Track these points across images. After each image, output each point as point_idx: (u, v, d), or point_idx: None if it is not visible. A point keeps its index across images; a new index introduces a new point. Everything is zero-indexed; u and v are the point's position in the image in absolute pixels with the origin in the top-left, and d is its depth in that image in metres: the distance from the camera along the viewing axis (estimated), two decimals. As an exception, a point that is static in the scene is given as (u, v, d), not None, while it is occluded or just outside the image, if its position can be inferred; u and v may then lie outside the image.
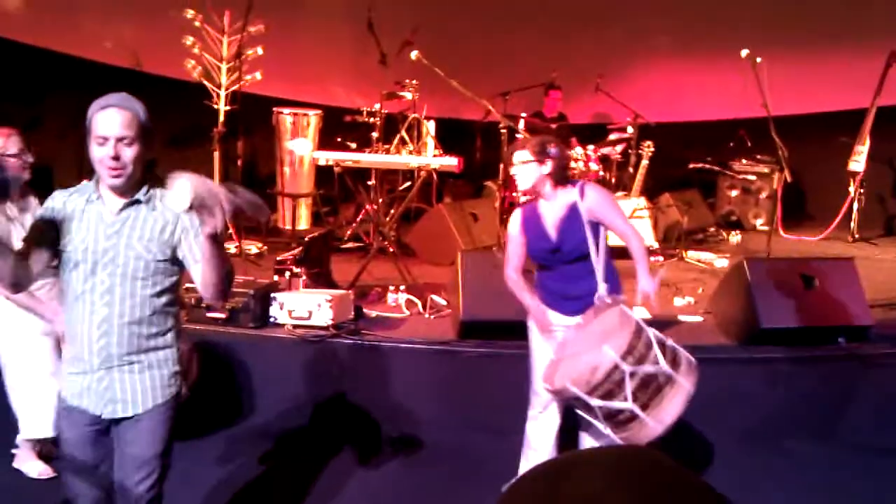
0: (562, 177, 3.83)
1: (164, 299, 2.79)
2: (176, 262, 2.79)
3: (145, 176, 2.79)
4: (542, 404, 3.92)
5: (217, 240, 2.60)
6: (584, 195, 3.76)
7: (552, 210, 3.82)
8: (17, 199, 3.84)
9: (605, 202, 3.79)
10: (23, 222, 3.76)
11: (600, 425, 3.46)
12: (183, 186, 2.46)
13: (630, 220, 7.18)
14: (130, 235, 2.72)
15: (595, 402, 3.37)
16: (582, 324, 3.72)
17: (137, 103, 2.82)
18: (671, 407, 3.39)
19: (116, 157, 2.68)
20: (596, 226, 3.75)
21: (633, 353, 3.37)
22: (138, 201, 2.75)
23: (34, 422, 3.99)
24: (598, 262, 3.73)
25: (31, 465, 4.13)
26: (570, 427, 3.93)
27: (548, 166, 3.77)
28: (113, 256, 2.70)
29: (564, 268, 3.80)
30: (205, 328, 4.84)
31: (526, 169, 3.78)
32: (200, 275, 2.70)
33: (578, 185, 3.81)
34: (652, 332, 3.45)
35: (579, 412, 3.60)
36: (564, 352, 3.68)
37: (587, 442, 3.85)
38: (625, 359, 3.35)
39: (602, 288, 3.71)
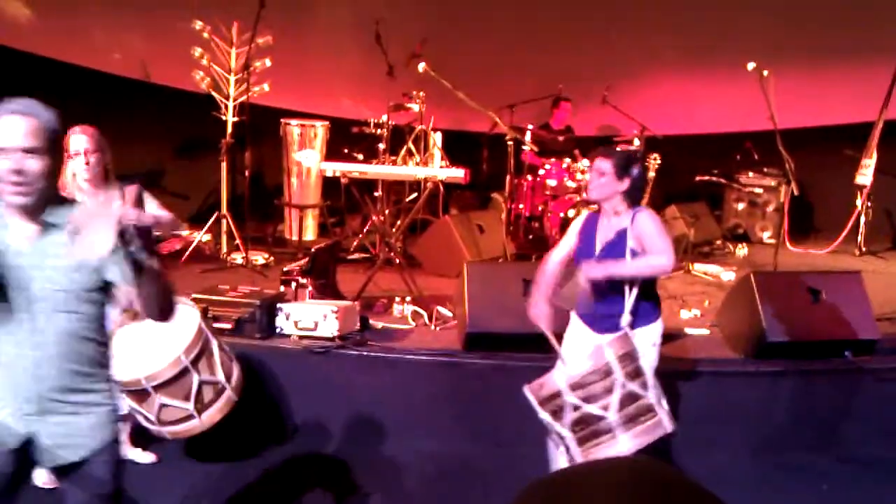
0: (634, 199, 3.76)
1: (94, 331, 2.49)
2: (106, 288, 2.47)
3: (54, 195, 2.47)
4: None
5: (139, 262, 2.32)
6: (634, 221, 3.69)
7: (606, 228, 3.78)
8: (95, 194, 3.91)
9: (652, 227, 3.67)
10: None
11: (551, 439, 3.56)
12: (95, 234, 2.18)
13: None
14: (54, 266, 2.38)
15: (542, 414, 3.45)
16: (597, 355, 3.56)
17: (47, 110, 2.41)
18: (601, 455, 3.39)
19: (19, 172, 2.32)
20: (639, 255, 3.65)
21: (586, 388, 3.38)
22: (54, 225, 2.40)
23: None
24: (629, 293, 3.65)
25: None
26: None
27: (624, 184, 3.69)
28: (35, 290, 2.38)
29: (602, 287, 3.67)
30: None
31: (602, 180, 3.71)
32: (136, 295, 2.42)
33: (633, 211, 3.73)
34: (621, 381, 3.37)
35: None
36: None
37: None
38: (573, 390, 3.37)
39: (625, 319, 3.63)
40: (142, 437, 4.24)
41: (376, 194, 7.30)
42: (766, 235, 8.90)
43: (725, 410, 4.74)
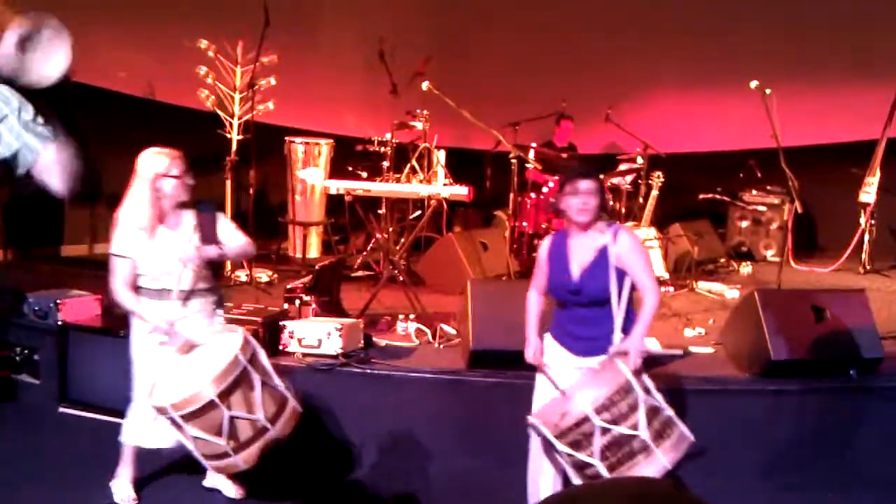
0: (604, 216, 3.75)
1: None
2: None
3: None
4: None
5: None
6: (616, 240, 3.63)
7: (580, 248, 3.69)
8: (172, 216, 3.91)
9: (636, 251, 3.65)
10: (179, 237, 3.89)
11: (570, 472, 3.40)
12: None
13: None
14: None
15: (562, 447, 3.33)
16: (593, 371, 3.60)
17: None
18: (641, 475, 3.30)
19: None
20: (622, 273, 3.60)
21: (612, 409, 3.30)
22: None
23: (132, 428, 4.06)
24: (618, 311, 3.59)
25: (119, 485, 4.19)
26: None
27: (599, 199, 3.67)
28: None
29: (579, 309, 3.67)
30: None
31: (593, 202, 3.62)
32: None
33: (613, 228, 3.68)
34: (643, 397, 3.36)
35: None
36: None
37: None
38: (599, 413, 3.28)
39: (618, 338, 3.58)
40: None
41: (380, 212, 7.31)
42: (770, 253, 8.90)
43: (729, 429, 4.72)
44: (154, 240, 3.85)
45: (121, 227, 3.85)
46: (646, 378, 3.48)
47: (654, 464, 3.31)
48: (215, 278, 4.15)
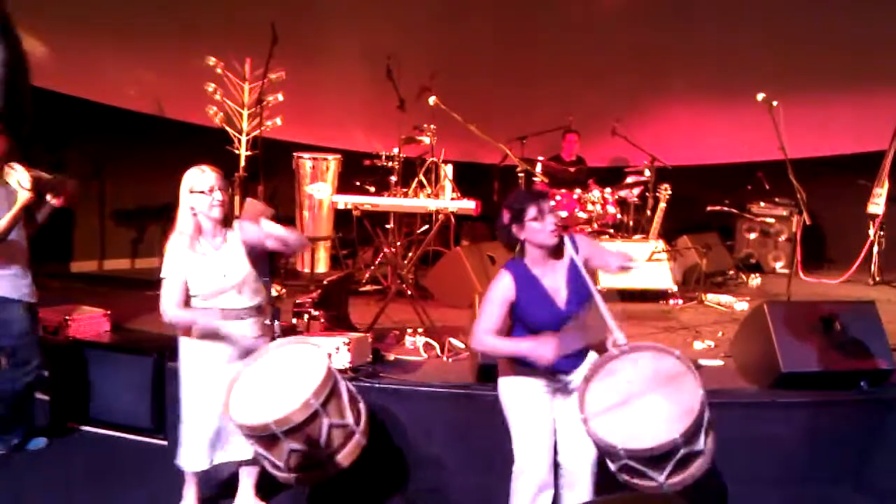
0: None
1: None
2: None
3: None
4: (544, 476, 3.63)
5: None
6: (576, 247, 3.55)
7: (550, 274, 3.55)
8: (217, 234, 3.87)
9: (592, 243, 3.69)
10: (227, 255, 3.86)
11: (657, 476, 3.27)
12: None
13: (648, 262, 7.32)
14: None
15: (684, 449, 3.22)
16: (588, 376, 3.45)
17: None
18: (713, 436, 3.39)
19: None
20: (591, 273, 3.56)
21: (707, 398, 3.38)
22: None
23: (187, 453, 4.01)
24: (605, 310, 3.47)
25: None
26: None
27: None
28: None
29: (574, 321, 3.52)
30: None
31: (558, 218, 3.52)
32: None
33: (567, 240, 3.56)
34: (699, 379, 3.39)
35: (639, 467, 3.31)
36: (585, 407, 3.36)
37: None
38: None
39: (621, 337, 3.45)
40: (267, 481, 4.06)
41: (388, 226, 7.33)
42: (779, 265, 8.87)
43: (740, 442, 4.69)
44: (202, 259, 3.81)
45: (168, 248, 3.84)
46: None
47: (714, 424, 3.39)
48: (269, 291, 4.14)
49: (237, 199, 7.13)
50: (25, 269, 4.77)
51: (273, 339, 3.97)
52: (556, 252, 3.56)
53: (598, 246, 3.71)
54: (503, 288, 3.52)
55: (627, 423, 3.30)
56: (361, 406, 3.80)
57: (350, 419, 3.64)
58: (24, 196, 4.57)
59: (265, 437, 3.49)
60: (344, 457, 3.64)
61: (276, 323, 4.07)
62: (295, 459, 3.54)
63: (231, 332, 3.81)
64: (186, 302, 3.82)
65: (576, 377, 3.60)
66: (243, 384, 3.65)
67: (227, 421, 3.63)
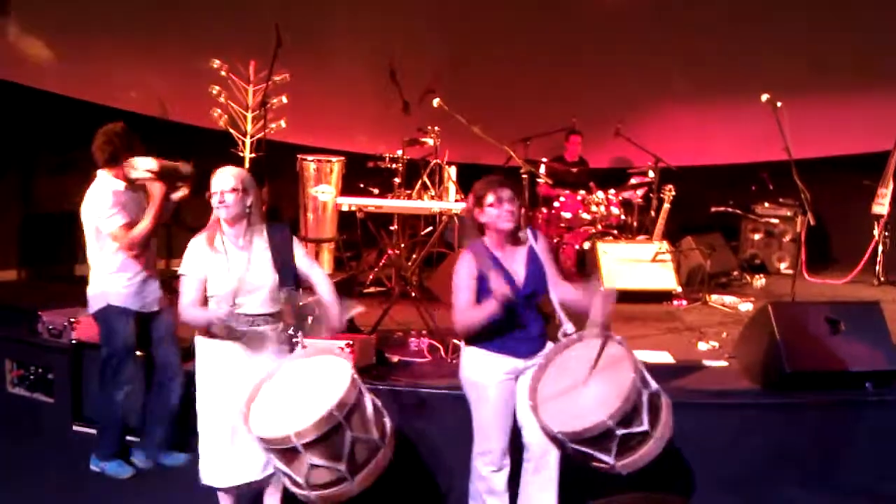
0: (522, 221, 3.92)
1: None
2: None
3: None
4: (499, 457, 3.86)
5: None
6: (537, 239, 3.86)
7: (510, 256, 3.82)
8: (241, 235, 3.81)
9: (549, 257, 3.91)
10: (241, 257, 3.78)
11: (606, 458, 3.42)
12: None
13: (652, 263, 7.32)
14: None
15: (620, 431, 3.34)
16: (543, 364, 3.67)
17: None
18: (668, 420, 3.48)
19: None
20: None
21: (643, 376, 3.46)
22: None
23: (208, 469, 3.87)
24: (556, 301, 3.78)
25: None
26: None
27: (518, 205, 3.81)
28: None
29: (526, 311, 3.79)
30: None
31: (514, 208, 3.77)
32: None
33: (529, 230, 3.88)
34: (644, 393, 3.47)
35: (582, 450, 3.48)
36: (537, 395, 3.58)
37: (532, 489, 3.88)
38: (641, 382, 3.43)
39: (569, 325, 3.72)
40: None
41: (392, 228, 7.33)
42: (784, 266, 8.85)
43: (743, 442, 4.69)
44: (221, 258, 3.74)
45: (189, 245, 3.79)
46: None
47: (669, 405, 3.50)
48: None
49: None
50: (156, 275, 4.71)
51: (292, 350, 3.81)
52: (514, 239, 3.83)
53: (549, 260, 3.89)
54: (466, 265, 3.79)
55: (567, 408, 3.48)
56: (387, 421, 3.60)
57: (375, 434, 3.47)
58: (156, 188, 4.48)
59: (285, 450, 3.35)
60: (367, 474, 3.46)
61: (299, 335, 3.79)
62: (316, 475, 3.37)
63: (248, 336, 3.72)
64: (205, 302, 3.75)
65: (534, 363, 3.77)
66: (263, 396, 3.53)
67: (247, 434, 3.49)
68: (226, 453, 3.76)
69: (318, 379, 3.54)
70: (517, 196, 3.80)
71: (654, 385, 3.49)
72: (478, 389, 3.84)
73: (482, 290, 3.73)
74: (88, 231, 4.57)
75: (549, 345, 3.82)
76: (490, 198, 3.75)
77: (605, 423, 3.31)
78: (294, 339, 3.79)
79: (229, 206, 3.75)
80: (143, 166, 4.44)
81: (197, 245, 3.76)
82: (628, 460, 3.41)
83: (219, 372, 3.78)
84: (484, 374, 3.82)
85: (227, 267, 3.73)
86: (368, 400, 3.52)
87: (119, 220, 4.45)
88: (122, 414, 4.68)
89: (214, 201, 3.76)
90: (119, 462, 4.72)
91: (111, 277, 4.54)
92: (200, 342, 3.82)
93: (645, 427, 3.37)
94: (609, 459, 3.41)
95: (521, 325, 3.78)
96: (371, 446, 3.46)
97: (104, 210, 4.46)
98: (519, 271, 3.80)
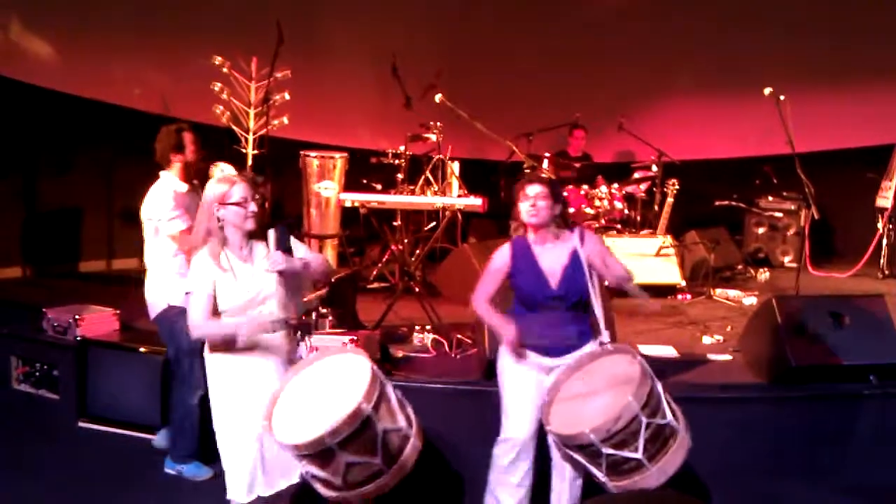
0: (564, 221, 3.88)
1: None
2: None
3: None
4: (518, 447, 3.86)
5: None
6: (583, 241, 3.81)
7: (550, 255, 3.83)
8: (244, 247, 3.63)
9: (601, 245, 3.86)
10: (247, 269, 3.60)
11: (598, 473, 3.46)
12: None
13: (656, 257, 7.31)
14: None
15: (607, 450, 3.35)
16: (573, 366, 3.71)
17: None
18: (674, 459, 3.42)
19: None
20: (591, 271, 3.78)
21: (650, 404, 3.39)
22: None
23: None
24: (598, 308, 3.75)
25: None
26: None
27: (558, 207, 3.82)
28: None
29: (558, 313, 3.79)
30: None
31: (543, 204, 3.78)
32: None
33: (577, 231, 3.85)
34: (659, 384, 3.49)
35: (578, 458, 3.55)
36: (557, 394, 3.67)
37: (557, 484, 3.90)
38: (643, 409, 3.35)
39: (606, 335, 3.74)
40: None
41: (395, 224, 7.33)
42: (788, 259, 8.84)
43: (748, 436, 4.69)
44: (228, 274, 3.55)
45: (192, 263, 3.60)
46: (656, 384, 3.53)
47: (683, 444, 3.44)
48: (299, 306, 3.90)
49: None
50: None
51: (300, 356, 3.71)
52: (558, 235, 3.84)
53: (605, 253, 3.85)
54: (500, 259, 3.91)
55: (570, 412, 3.54)
56: (410, 409, 3.57)
57: (402, 423, 3.44)
58: None
59: (319, 453, 3.26)
60: (403, 462, 3.42)
61: (306, 340, 3.72)
62: (354, 473, 3.32)
63: (263, 342, 3.60)
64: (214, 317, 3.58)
65: (563, 362, 3.79)
66: (283, 404, 3.42)
67: (270, 445, 3.42)
68: (248, 467, 3.61)
69: (337, 378, 3.49)
70: (552, 194, 3.80)
71: (668, 418, 3.42)
72: (505, 374, 3.91)
73: (516, 282, 3.86)
74: (147, 231, 4.53)
75: (590, 346, 3.81)
76: (524, 192, 3.81)
77: (586, 434, 3.34)
78: (300, 342, 3.74)
79: (255, 216, 3.60)
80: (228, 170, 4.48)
81: (201, 261, 3.56)
82: (620, 483, 3.42)
83: (234, 386, 3.63)
84: (514, 362, 3.86)
85: (234, 281, 3.56)
86: (391, 389, 3.50)
87: (180, 225, 4.41)
88: (199, 416, 4.53)
89: (238, 215, 3.56)
90: (197, 464, 4.65)
91: (171, 279, 4.47)
92: (212, 359, 3.66)
93: (637, 455, 3.35)
94: (600, 476, 3.46)
95: (552, 324, 3.76)
96: (402, 435, 3.44)
97: (165, 212, 4.43)
98: (556, 272, 3.80)
